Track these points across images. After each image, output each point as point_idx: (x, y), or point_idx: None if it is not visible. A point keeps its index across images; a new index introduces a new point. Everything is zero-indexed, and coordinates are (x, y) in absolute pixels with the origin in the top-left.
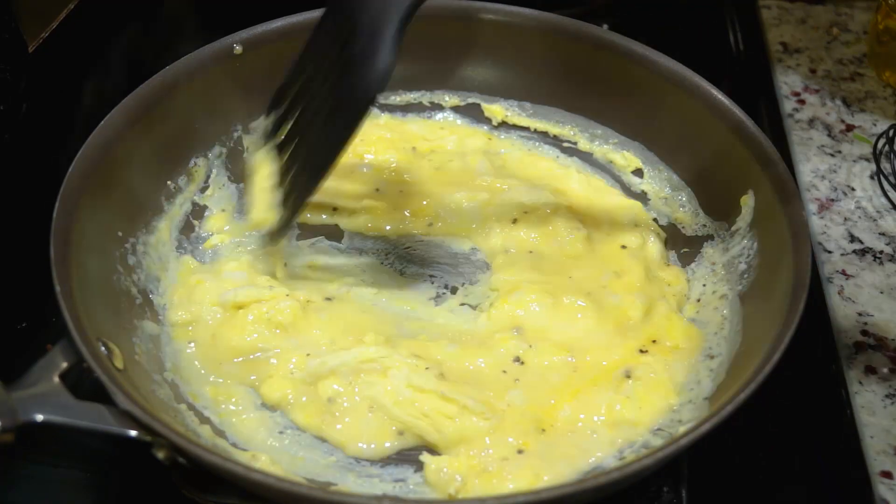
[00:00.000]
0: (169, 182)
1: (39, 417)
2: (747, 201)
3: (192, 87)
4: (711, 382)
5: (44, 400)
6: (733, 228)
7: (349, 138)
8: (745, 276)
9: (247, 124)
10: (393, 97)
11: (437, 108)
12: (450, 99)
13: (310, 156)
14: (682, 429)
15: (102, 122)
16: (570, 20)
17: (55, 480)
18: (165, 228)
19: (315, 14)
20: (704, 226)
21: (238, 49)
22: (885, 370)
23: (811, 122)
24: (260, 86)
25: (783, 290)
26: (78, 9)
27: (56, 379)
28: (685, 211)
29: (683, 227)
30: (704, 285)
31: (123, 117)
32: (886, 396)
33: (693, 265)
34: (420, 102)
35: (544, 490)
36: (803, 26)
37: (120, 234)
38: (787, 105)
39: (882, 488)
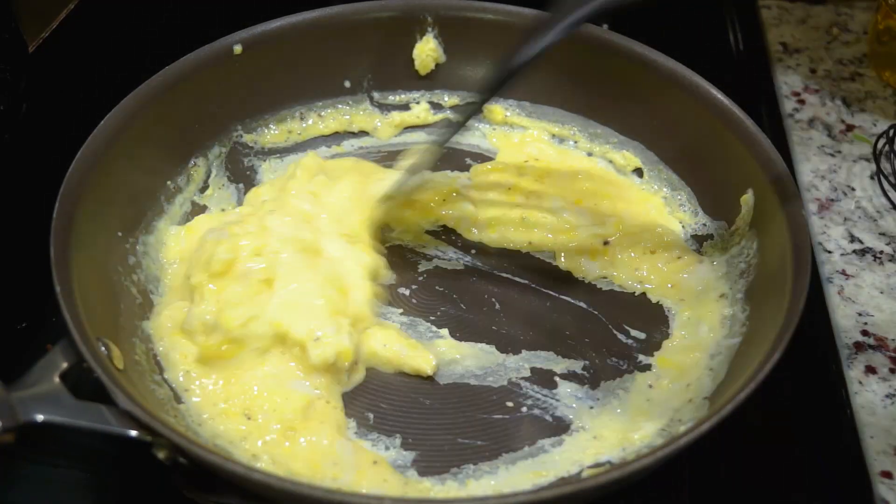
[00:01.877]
0: (169, 182)
1: (40, 417)
2: (747, 200)
3: (192, 87)
4: (711, 382)
5: (44, 400)
6: (732, 228)
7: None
8: (745, 275)
9: (247, 124)
10: (392, 97)
11: (437, 107)
12: (449, 99)
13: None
14: (681, 428)
15: (101, 123)
16: None
17: (55, 480)
18: (165, 228)
19: (313, 14)
20: (704, 225)
21: (238, 49)
22: (885, 370)
23: (811, 122)
24: (260, 86)
25: (783, 289)
26: (78, 9)
27: (56, 379)
28: (685, 210)
29: (683, 227)
30: (704, 284)
31: (123, 118)
32: (886, 396)
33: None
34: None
35: (545, 489)
36: (803, 26)
37: (120, 234)
38: (787, 105)
39: (882, 488)
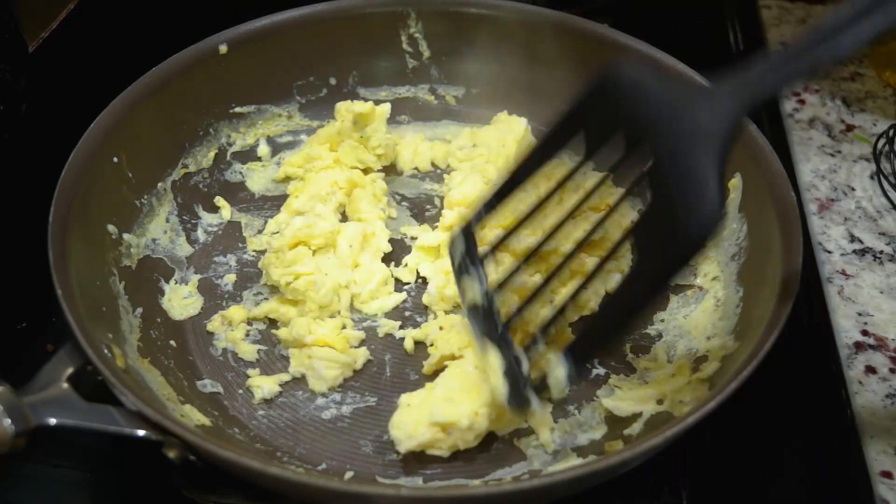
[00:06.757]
0: (160, 184)
1: (52, 421)
2: (735, 184)
3: (178, 88)
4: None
5: (55, 403)
6: (721, 212)
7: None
8: (737, 258)
9: (234, 125)
10: (378, 93)
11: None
12: (434, 93)
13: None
14: (685, 409)
15: (91, 127)
16: (567, 15)
17: (55, 480)
18: (155, 231)
19: (298, 12)
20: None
21: (223, 49)
22: (885, 370)
23: (811, 122)
24: (246, 85)
25: (776, 267)
26: (78, 9)
27: (65, 383)
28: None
29: None
30: (696, 269)
31: (110, 122)
32: (886, 396)
33: None
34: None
35: (557, 473)
36: (803, 26)
37: (114, 236)
38: (787, 105)
39: (882, 488)
